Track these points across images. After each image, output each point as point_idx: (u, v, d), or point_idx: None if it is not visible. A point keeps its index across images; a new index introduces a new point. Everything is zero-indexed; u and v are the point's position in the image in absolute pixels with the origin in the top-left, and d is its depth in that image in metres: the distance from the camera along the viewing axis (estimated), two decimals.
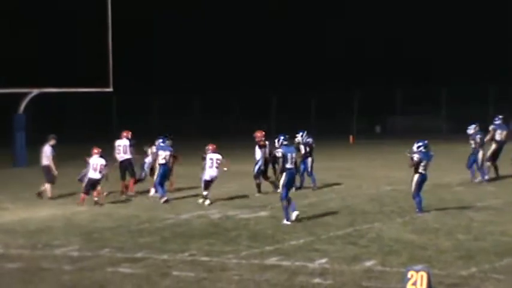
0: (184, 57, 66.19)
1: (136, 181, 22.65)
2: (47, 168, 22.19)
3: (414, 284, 10.12)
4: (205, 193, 20.13)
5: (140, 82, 61.77)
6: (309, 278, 11.85)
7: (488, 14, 60.63)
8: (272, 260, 13.11)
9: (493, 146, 23.71)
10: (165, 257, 13.62)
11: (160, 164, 21.08)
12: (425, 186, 18.23)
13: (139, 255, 13.84)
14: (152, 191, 21.93)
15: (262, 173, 21.85)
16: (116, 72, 33.25)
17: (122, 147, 22.51)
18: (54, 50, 55.95)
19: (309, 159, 22.60)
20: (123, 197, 21.83)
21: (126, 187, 22.33)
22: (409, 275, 10.19)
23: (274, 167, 21.18)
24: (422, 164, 17.57)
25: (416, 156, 17.58)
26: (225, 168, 20.63)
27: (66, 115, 57.31)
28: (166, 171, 21.26)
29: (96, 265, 13.12)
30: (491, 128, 23.99)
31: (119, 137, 22.94)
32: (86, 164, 20.91)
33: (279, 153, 17.22)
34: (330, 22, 65.38)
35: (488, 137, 23.68)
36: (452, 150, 32.07)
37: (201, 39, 67.40)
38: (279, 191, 21.42)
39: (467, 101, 47.82)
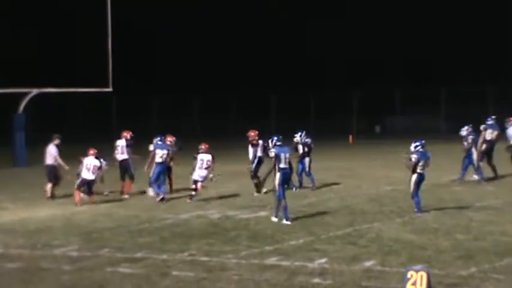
0: (184, 57, 66.21)
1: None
2: (50, 168, 22.19)
3: (414, 284, 10.13)
4: (193, 193, 20.47)
5: (140, 82, 61.80)
6: (308, 278, 11.86)
7: (488, 14, 60.63)
8: (272, 260, 13.11)
9: (483, 146, 23.70)
10: (164, 257, 13.62)
11: (157, 163, 21.14)
12: (424, 186, 18.24)
13: (138, 255, 13.84)
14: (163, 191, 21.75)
15: (253, 172, 22.08)
16: (115, 73, 33.26)
17: (120, 148, 22.51)
18: (54, 50, 55.98)
19: (307, 159, 22.63)
20: (124, 197, 21.82)
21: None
22: (408, 275, 10.20)
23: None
24: (420, 163, 17.59)
25: (414, 157, 17.61)
26: (212, 177, 20.69)
27: (66, 115, 57.34)
28: (163, 170, 21.29)
29: (96, 265, 13.12)
30: (482, 127, 24.03)
31: (120, 137, 22.95)
32: (80, 164, 20.94)
33: (272, 153, 17.29)
34: (330, 22, 65.37)
35: (481, 140, 23.67)
36: (451, 150, 32.00)
37: (201, 39, 67.42)
38: (255, 194, 21.60)
39: (466, 101, 47.84)
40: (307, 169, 22.60)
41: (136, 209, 19.71)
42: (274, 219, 17.02)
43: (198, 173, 20.49)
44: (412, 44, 62.78)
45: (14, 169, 31.89)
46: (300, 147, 22.53)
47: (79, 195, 20.56)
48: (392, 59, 63.82)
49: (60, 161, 22.26)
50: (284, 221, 16.74)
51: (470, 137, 23.24)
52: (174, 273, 12.43)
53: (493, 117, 24.49)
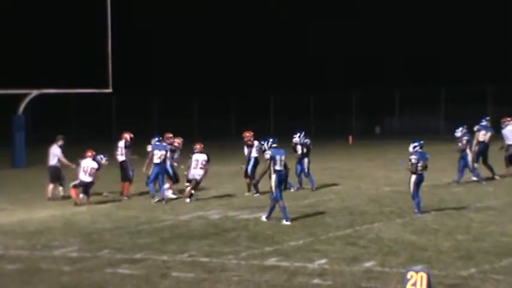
0: (184, 58, 66.18)
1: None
2: (53, 169, 22.19)
3: (414, 284, 10.11)
4: (187, 189, 20.73)
5: (140, 83, 61.77)
6: (308, 279, 11.85)
7: (487, 14, 60.61)
8: (271, 261, 13.11)
9: (476, 147, 23.66)
10: (164, 257, 13.61)
11: (155, 163, 21.13)
12: (425, 186, 18.23)
13: (138, 256, 13.83)
14: (169, 192, 21.75)
15: (245, 171, 22.15)
16: (115, 73, 33.25)
17: (120, 149, 22.50)
18: (54, 50, 55.95)
19: (306, 160, 22.57)
20: (124, 198, 21.81)
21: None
22: (408, 276, 10.18)
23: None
24: (419, 164, 17.59)
25: (414, 158, 17.61)
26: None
27: (66, 116, 57.30)
28: (161, 171, 21.26)
29: (96, 266, 13.11)
30: (475, 128, 24.01)
31: (120, 138, 22.93)
32: (78, 165, 20.95)
33: (267, 155, 17.27)
34: (330, 22, 65.35)
35: (474, 141, 23.64)
36: (451, 150, 31.96)
37: (200, 40, 67.38)
38: (247, 194, 21.63)
39: (466, 101, 47.82)
40: (306, 170, 22.57)
41: (136, 210, 19.70)
42: (264, 219, 17.08)
43: (192, 172, 20.65)
44: (412, 44, 62.77)
45: (13, 170, 31.86)
46: (299, 147, 22.50)
47: (76, 193, 20.52)
48: (392, 59, 63.82)
49: (65, 160, 22.27)
50: (284, 222, 16.73)
51: (465, 138, 23.16)
52: (174, 274, 12.42)
53: (487, 118, 24.46)
